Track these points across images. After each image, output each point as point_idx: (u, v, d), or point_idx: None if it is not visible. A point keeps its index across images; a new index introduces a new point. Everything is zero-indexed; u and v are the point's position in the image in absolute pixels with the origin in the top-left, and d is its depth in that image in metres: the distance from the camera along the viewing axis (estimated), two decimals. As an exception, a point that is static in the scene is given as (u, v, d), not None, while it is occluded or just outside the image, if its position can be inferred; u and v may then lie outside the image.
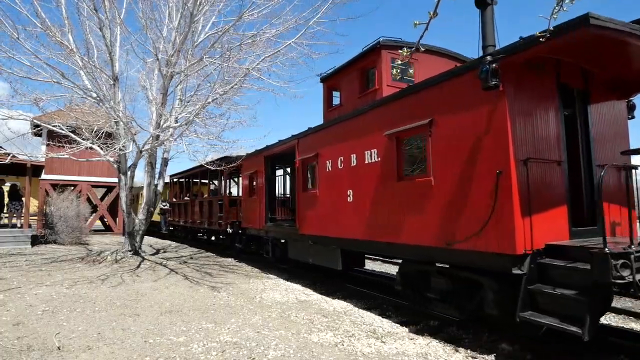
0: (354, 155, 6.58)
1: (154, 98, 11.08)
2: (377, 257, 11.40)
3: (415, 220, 5.24)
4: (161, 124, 10.60)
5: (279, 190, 12.82)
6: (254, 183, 11.01)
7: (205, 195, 16.15)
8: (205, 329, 5.04)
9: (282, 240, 9.62)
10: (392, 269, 10.02)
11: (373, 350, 4.42)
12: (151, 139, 10.55)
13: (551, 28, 2.25)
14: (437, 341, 4.72)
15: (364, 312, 6.08)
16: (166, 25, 10.96)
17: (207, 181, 16.22)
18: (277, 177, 12.57)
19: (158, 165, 12.53)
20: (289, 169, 12.91)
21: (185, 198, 17.91)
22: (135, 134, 10.97)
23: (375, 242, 6.04)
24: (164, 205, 20.48)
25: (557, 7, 2.08)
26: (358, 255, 7.46)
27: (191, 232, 17.89)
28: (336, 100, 7.96)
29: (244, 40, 9.83)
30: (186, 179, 18.47)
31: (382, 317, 5.81)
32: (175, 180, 19.96)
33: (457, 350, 4.42)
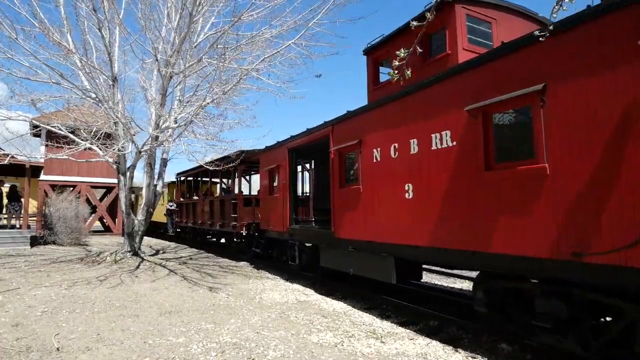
0: (415, 140, 5.26)
1: (153, 98, 11.07)
2: (433, 268, 8.97)
3: (516, 223, 3.96)
4: (160, 124, 10.59)
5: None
6: (275, 179, 9.76)
7: (217, 195, 15.26)
8: (204, 330, 5.04)
9: (308, 244, 8.44)
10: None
11: (373, 350, 4.41)
12: (150, 139, 10.55)
13: (551, 28, 2.26)
14: (437, 341, 4.72)
15: (363, 313, 6.08)
16: (165, 25, 10.96)
17: (217, 180, 15.45)
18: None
19: (157, 166, 12.53)
20: (308, 165, 12.12)
21: (194, 198, 16.76)
22: (134, 135, 10.96)
23: (448, 251, 4.73)
24: (171, 206, 19.53)
25: (556, 7, 2.09)
26: (415, 265, 6.08)
27: (200, 234, 16.76)
28: (385, 77, 6.60)
29: (242, 41, 9.84)
30: (195, 177, 17.14)
31: (382, 318, 5.81)
32: (182, 178, 18.58)
33: (456, 351, 4.42)
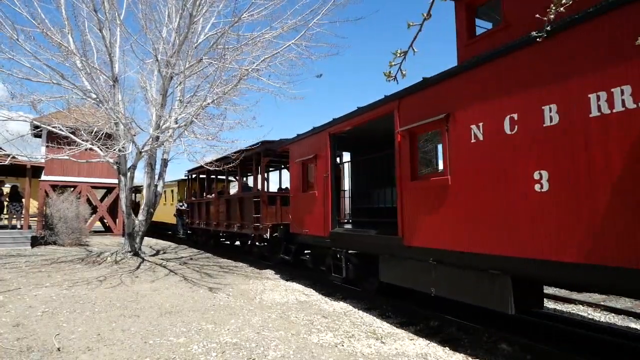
0: (552, 106, 3.72)
1: (153, 99, 11.09)
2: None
3: None
4: (161, 125, 10.61)
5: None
6: (311, 173, 8.26)
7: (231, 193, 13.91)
8: (205, 330, 5.04)
9: (356, 252, 6.92)
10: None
11: (373, 351, 4.42)
12: (151, 140, 10.56)
13: (548, 29, 2.26)
14: (437, 342, 4.72)
15: (363, 313, 6.08)
16: (165, 26, 10.98)
17: (233, 178, 14.40)
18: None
19: (158, 166, 12.56)
20: (344, 156, 10.68)
21: (208, 196, 15.04)
22: (134, 135, 10.98)
23: (628, 272, 3.13)
24: (181, 206, 18.11)
25: (553, 8, 2.09)
26: (535, 286, 4.40)
27: (215, 237, 15.35)
28: (480, 31, 5.20)
29: (242, 42, 9.86)
30: (208, 174, 15.46)
31: (382, 318, 5.81)
32: (193, 175, 16.72)
33: (456, 351, 4.42)
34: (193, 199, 16.79)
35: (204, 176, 15.86)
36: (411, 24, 2.07)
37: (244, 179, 15.30)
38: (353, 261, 6.98)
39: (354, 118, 6.79)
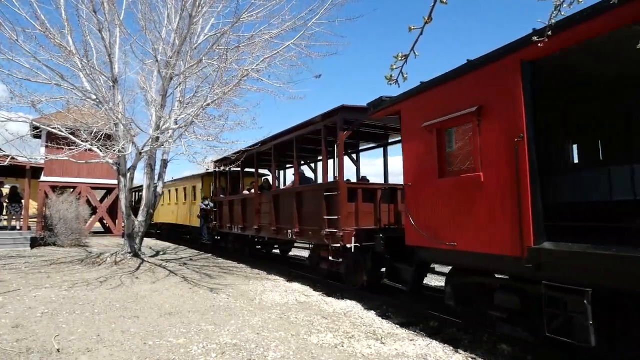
0: None
1: (153, 100, 11.09)
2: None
3: None
4: (160, 125, 10.60)
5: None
6: (465, 142, 4.76)
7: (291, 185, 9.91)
8: (204, 331, 5.04)
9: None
10: None
11: (373, 351, 4.41)
12: (150, 140, 10.56)
13: (549, 32, 2.26)
14: (437, 342, 4.71)
15: (363, 313, 6.08)
16: (165, 26, 10.99)
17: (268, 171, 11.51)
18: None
19: (157, 167, 12.56)
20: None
21: (245, 192, 11.93)
22: (134, 136, 10.97)
23: None
24: (206, 205, 14.89)
25: (554, 12, 2.09)
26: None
27: (251, 244, 12.60)
28: None
29: (242, 42, 9.86)
30: (245, 163, 11.78)
31: (382, 318, 5.80)
32: (222, 169, 12.72)
33: (456, 351, 4.42)
34: (222, 196, 13.83)
35: (237, 169, 12.61)
36: (412, 27, 2.06)
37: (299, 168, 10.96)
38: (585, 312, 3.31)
39: (580, 26, 3.42)
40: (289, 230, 8.85)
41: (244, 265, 11.18)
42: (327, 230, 7.34)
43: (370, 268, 7.05)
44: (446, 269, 5.66)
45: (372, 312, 6.17)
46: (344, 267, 7.56)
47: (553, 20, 2.14)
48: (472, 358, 4.25)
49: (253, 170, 12.02)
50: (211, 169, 13.47)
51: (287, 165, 13.94)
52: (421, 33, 2.10)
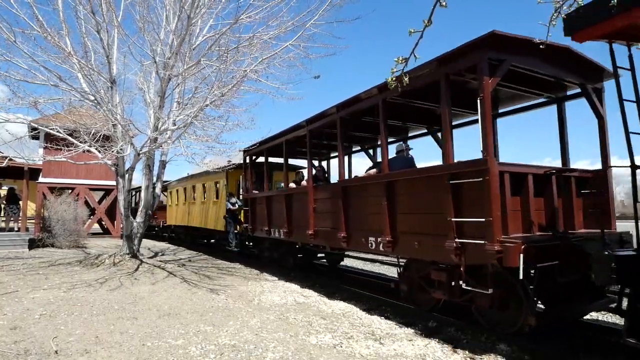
0: None
1: (151, 101, 11.08)
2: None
3: None
4: (159, 126, 10.60)
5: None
6: None
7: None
8: (203, 332, 5.03)
9: None
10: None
11: (371, 351, 4.41)
12: (149, 141, 10.55)
13: (550, 34, 2.27)
14: (436, 342, 4.72)
15: (362, 314, 6.08)
16: (163, 28, 10.98)
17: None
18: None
19: (156, 168, 12.53)
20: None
21: (291, 186, 9.45)
22: (133, 137, 10.96)
23: None
24: (234, 204, 12.35)
25: (555, 14, 2.10)
26: None
27: (294, 253, 10.02)
28: None
29: (241, 43, 9.86)
30: (290, 149, 9.51)
31: (381, 319, 5.80)
32: (254, 158, 10.80)
33: (455, 352, 4.42)
34: (255, 192, 11.19)
35: (276, 160, 10.44)
36: (412, 31, 2.07)
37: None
38: None
39: None
40: (373, 239, 6.16)
41: (242, 266, 11.17)
42: (457, 240, 4.66)
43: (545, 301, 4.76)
44: None
45: (371, 312, 6.16)
46: (486, 301, 4.65)
47: (554, 23, 2.15)
48: (470, 358, 4.25)
49: (294, 161, 9.23)
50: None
51: (354, 150, 10.59)
52: (421, 36, 2.11)
